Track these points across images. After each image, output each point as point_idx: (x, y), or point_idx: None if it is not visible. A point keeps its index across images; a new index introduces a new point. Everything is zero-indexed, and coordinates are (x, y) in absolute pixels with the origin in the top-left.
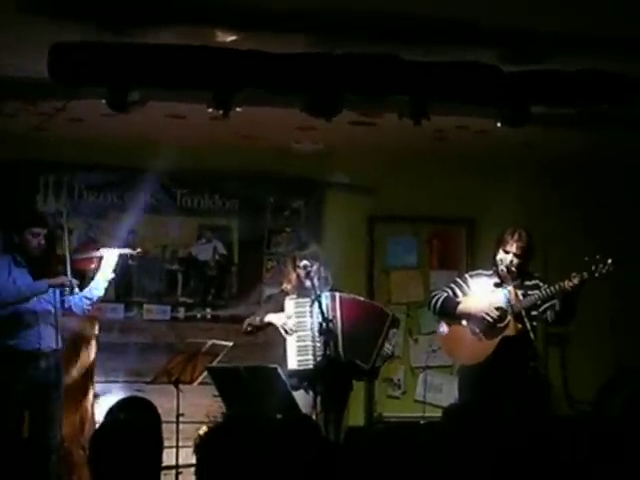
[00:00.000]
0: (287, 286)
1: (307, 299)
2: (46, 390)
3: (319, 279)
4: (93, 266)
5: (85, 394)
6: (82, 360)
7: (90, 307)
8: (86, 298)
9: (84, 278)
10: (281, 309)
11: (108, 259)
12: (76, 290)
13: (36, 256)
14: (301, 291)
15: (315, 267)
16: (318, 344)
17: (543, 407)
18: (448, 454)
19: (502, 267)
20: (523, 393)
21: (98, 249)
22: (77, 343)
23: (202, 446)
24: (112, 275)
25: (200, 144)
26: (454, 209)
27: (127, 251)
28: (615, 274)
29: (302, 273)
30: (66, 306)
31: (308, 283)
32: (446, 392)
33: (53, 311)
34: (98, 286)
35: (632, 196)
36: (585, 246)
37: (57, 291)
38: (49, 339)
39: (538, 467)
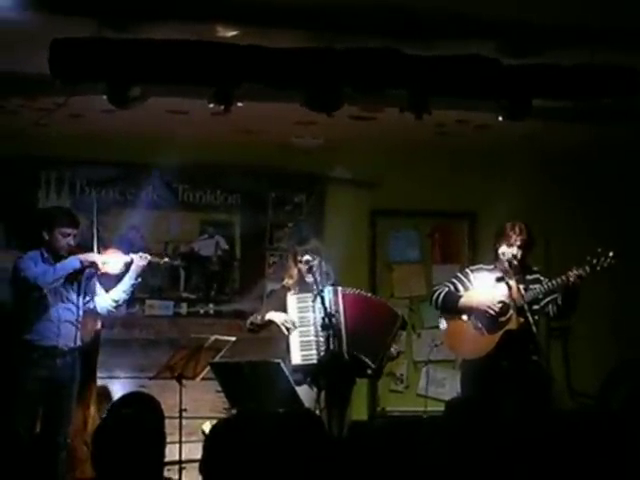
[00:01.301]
0: (288, 281)
1: (309, 294)
2: (60, 388)
3: (321, 274)
4: (114, 270)
5: (89, 390)
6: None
7: (115, 309)
8: (113, 300)
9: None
10: (283, 305)
11: (138, 264)
12: (110, 303)
13: (63, 256)
14: (303, 286)
15: (316, 262)
16: (321, 339)
17: (545, 401)
18: (450, 448)
19: (505, 261)
20: (525, 387)
21: (121, 253)
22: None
23: (211, 438)
24: (139, 280)
25: (201, 139)
26: (456, 203)
27: (156, 259)
28: (617, 267)
29: (304, 268)
30: (91, 306)
31: (310, 278)
32: (449, 386)
33: (75, 310)
34: (126, 289)
35: (633, 189)
36: (587, 239)
37: (81, 290)
38: (68, 337)
39: (540, 461)
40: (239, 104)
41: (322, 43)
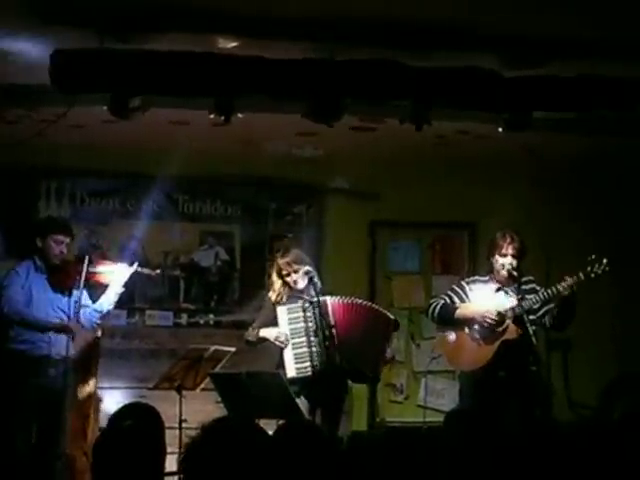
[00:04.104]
0: (272, 295)
1: (299, 304)
2: (55, 397)
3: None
4: (106, 280)
5: (88, 400)
6: (86, 367)
7: (99, 320)
8: (96, 311)
9: (94, 290)
10: (273, 317)
11: (121, 275)
12: (94, 315)
13: (55, 263)
14: (290, 296)
15: (301, 272)
16: (314, 349)
17: (544, 411)
18: (450, 459)
19: (503, 271)
20: (523, 397)
21: (114, 263)
22: (85, 354)
23: (186, 461)
24: (122, 289)
25: (202, 150)
26: (456, 214)
27: (145, 270)
28: (617, 279)
29: (305, 279)
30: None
31: (309, 288)
32: (448, 397)
33: (66, 319)
34: (109, 300)
35: (635, 200)
36: (588, 250)
37: (71, 300)
38: (60, 346)
39: (539, 472)
40: (239, 115)
41: (323, 54)
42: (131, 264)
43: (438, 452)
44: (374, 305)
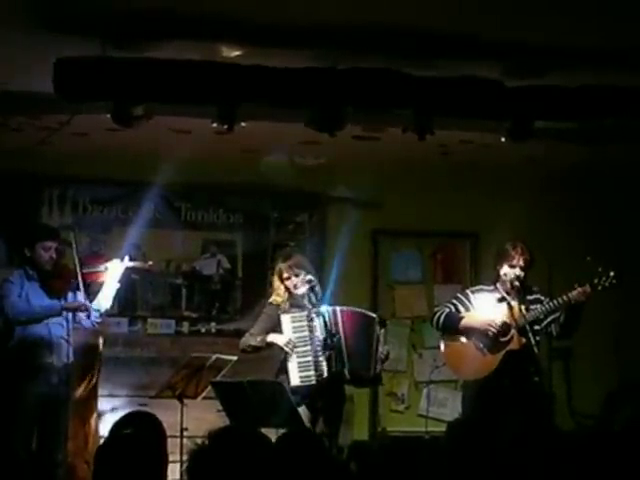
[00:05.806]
0: (277, 299)
1: (303, 313)
2: (56, 404)
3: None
4: (102, 279)
5: (89, 408)
6: (87, 374)
7: (99, 319)
8: (95, 310)
9: (90, 291)
10: (274, 323)
11: (115, 270)
12: (94, 314)
13: (47, 270)
14: (293, 302)
15: (302, 276)
16: (319, 358)
17: (546, 422)
18: (451, 469)
19: (507, 282)
20: (526, 408)
21: (106, 261)
22: (83, 357)
23: (191, 468)
24: (117, 285)
25: (204, 158)
26: (458, 223)
27: (138, 264)
28: (619, 288)
29: (305, 285)
30: (76, 319)
31: (310, 296)
32: (450, 407)
33: (65, 325)
34: (106, 297)
35: (637, 208)
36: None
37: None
38: (61, 353)
39: None
40: (242, 124)
41: (325, 63)
42: (123, 259)
43: (439, 462)
44: (359, 309)
